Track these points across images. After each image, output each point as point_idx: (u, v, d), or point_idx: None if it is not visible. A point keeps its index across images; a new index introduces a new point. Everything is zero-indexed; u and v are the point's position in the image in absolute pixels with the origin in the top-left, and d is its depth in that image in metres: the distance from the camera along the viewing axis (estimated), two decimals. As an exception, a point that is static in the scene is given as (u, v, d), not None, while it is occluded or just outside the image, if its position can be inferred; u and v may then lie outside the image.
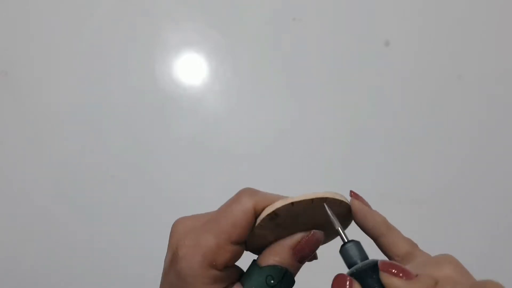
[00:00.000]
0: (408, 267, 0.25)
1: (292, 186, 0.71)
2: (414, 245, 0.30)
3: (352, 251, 0.28)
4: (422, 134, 0.74)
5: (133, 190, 0.70)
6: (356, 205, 0.30)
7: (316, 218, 0.28)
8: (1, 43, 0.80)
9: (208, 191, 0.70)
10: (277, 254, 0.26)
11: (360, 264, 0.27)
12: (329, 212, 0.28)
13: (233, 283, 0.26)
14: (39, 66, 0.78)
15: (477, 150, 0.73)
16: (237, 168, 0.72)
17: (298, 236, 0.27)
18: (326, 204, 0.28)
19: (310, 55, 0.79)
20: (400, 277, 0.24)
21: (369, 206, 0.31)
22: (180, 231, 0.26)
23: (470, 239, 0.68)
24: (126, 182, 0.71)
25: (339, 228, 0.28)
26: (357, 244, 0.28)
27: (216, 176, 0.70)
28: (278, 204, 0.26)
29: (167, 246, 0.27)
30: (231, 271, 0.26)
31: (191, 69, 0.78)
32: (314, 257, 0.31)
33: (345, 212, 0.30)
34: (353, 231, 0.32)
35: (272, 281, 0.25)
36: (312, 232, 0.27)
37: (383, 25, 0.81)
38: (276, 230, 0.27)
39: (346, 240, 0.28)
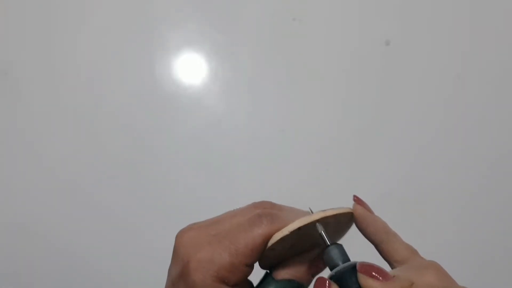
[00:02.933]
0: (393, 271, 0.25)
1: (292, 186, 0.71)
2: (413, 252, 0.30)
3: (334, 254, 0.28)
4: (422, 134, 0.74)
5: (133, 190, 0.70)
6: (358, 211, 0.30)
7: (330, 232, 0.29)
8: (1, 43, 0.80)
9: (208, 191, 0.70)
10: (294, 269, 0.27)
11: (340, 266, 0.27)
12: (320, 230, 0.29)
13: None
14: (39, 66, 0.78)
15: (477, 150, 0.73)
16: (237, 168, 0.72)
17: (314, 253, 0.28)
18: (310, 208, 0.29)
19: (310, 55, 0.79)
20: (377, 278, 0.24)
21: (371, 212, 0.31)
22: (188, 243, 0.26)
23: (470, 239, 0.68)
24: (126, 182, 0.71)
25: (322, 232, 0.28)
26: (339, 246, 0.28)
27: (216, 176, 0.71)
28: (285, 231, 0.26)
29: (171, 257, 0.27)
30: (242, 285, 0.27)
31: (191, 69, 0.78)
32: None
33: (348, 218, 0.31)
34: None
35: None
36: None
37: (384, 25, 0.81)
38: (289, 249, 0.28)
39: (328, 243, 0.28)
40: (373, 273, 0.24)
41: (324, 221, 0.29)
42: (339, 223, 0.31)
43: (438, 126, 0.75)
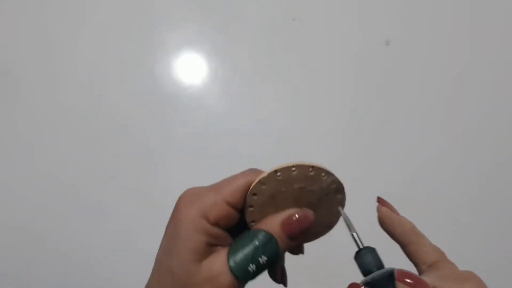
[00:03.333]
0: (429, 278, 0.24)
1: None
2: (441, 254, 0.29)
3: (367, 258, 0.27)
4: (422, 134, 0.74)
5: (133, 190, 0.70)
6: (384, 212, 0.31)
7: (313, 198, 0.29)
8: (1, 43, 0.80)
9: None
10: (268, 224, 0.27)
11: (376, 272, 0.26)
12: (343, 215, 0.29)
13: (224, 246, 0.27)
14: (39, 67, 0.78)
15: (477, 149, 0.73)
16: (237, 168, 0.71)
17: (290, 211, 0.28)
18: (340, 207, 0.29)
19: (310, 55, 0.79)
20: None
21: (396, 212, 0.31)
22: (185, 194, 0.28)
23: (470, 239, 0.68)
24: (126, 183, 0.71)
25: (355, 234, 0.28)
26: (372, 251, 0.28)
27: (216, 176, 0.70)
28: (264, 174, 0.28)
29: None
30: (224, 235, 0.27)
31: (191, 69, 0.78)
32: (300, 250, 0.32)
33: (331, 186, 0.30)
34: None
35: (256, 243, 0.26)
36: (303, 209, 0.28)
37: (384, 25, 0.81)
38: (273, 205, 0.29)
39: (361, 246, 0.28)
40: (413, 282, 0.24)
41: (300, 169, 0.28)
42: (328, 194, 0.30)
43: (438, 126, 0.75)
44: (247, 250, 0.26)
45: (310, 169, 0.29)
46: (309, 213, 0.28)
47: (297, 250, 0.32)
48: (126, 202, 0.70)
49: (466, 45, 0.79)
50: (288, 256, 0.34)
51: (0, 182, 0.71)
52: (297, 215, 0.27)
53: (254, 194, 0.29)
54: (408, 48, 0.79)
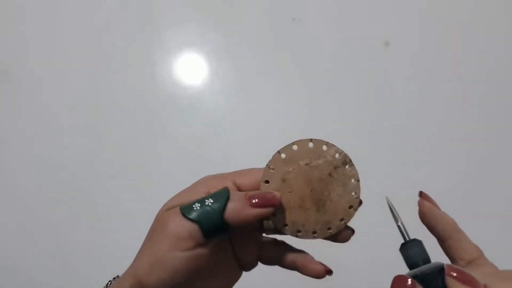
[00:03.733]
0: (474, 275, 0.25)
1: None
2: (481, 252, 0.30)
3: (414, 251, 0.27)
4: (422, 134, 0.74)
5: (133, 190, 0.70)
6: (426, 206, 0.31)
7: (322, 174, 0.30)
8: (1, 43, 0.80)
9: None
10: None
11: (424, 266, 0.26)
12: (389, 204, 0.30)
13: None
14: (40, 66, 0.78)
15: (477, 149, 0.73)
16: (237, 168, 0.72)
17: (257, 192, 0.29)
18: (387, 198, 0.30)
19: (310, 55, 0.79)
20: (468, 285, 0.23)
21: (438, 208, 0.31)
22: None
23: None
24: (126, 182, 0.71)
25: (401, 225, 0.28)
26: (419, 243, 0.28)
27: (216, 176, 0.71)
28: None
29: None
30: None
31: (191, 69, 0.78)
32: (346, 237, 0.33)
33: (336, 157, 0.31)
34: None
35: (212, 191, 0.28)
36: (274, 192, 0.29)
37: (383, 25, 0.81)
38: (286, 188, 0.30)
39: (407, 239, 0.28)
40: (464, 279, 0.24)
41: (300, 145, 0.30)
42: (336, 167, 0.31)
43: (438, 126, 0.75)
44: (201, 196, 0.28)
45: (310, 142, 0.31)
46: (274, 195, 0.29)
47: (344, 237, 0.33)
48: (126, 201, 0.70)
49: (467, 45, 0.79)
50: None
51: (1, 182, 0.71)
52: (268, 192, 0.29)
53: (266, 182, 0.30)
54: (408, 49, 0.79)
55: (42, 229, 0.69)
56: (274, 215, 0.30)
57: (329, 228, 0.31)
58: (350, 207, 0.31)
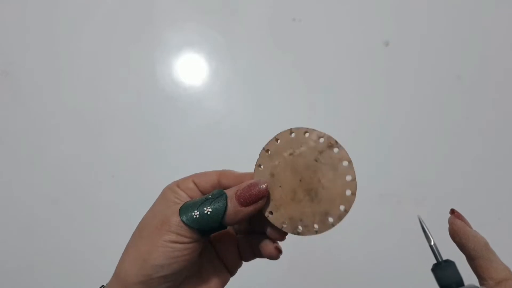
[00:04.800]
0: None
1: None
2: (511, 273, 0.30)
3: (448, 272, 0.27)
4: (422, 134, 0.74)
5: (133, 190, 0.70)
6: (458, 225, 0.31)
7: (308, 161, 0.29)
8: (2, 43, 0.80)
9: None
10: (228, 190, 0.29)
11: None
12: (422, 223, 0.30)
13: None
14: (40, 67, 0.78)
15: (477, 149, 0.73)
16: (237, 168, 0.72)
17: (248, 181, 0.30)
18: (420, 217, 0.30)
19: (310, 55, 0.79)
20: None
21: (470, 226, 0.32)
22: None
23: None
24: (126, 182, 0.71)
25: (433, 245, 0.29)
26: (452, 265, 0.28)
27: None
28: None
29: None
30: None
31: (191, 69, 0.79)
32: (281, 236, 0.32)
33: (320, 142, 0.30)
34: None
35: (209, 196, 0.29)
36: (258, 179, 0.29)
37: (383, 26, 0.81)
38: (276, 183, 0.29)
39: (440, 259, 0.28)
40: None
41: (282, 137, 0.30)
42: (322, 151, 0.30)
43: (438, 126, 0.75)
44: (198, 201, 0.28)
45: (291, 132, 0.30)
46: (261, 181, 0.29)
47: (279, 235, 0.31)
48: (127, 201, 0.70)
49: (466, 46, 0.80)
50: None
51: (1, 182, 0.71)
52: (251, 183, 0.29)
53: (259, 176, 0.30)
54: (407, 49, 0.79)
55: (41, 228, 0.69)
56: (271, 213, 0.29)
57: (330, 219, 0.29)
58: (351, 192, 0.29)
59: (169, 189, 0.31)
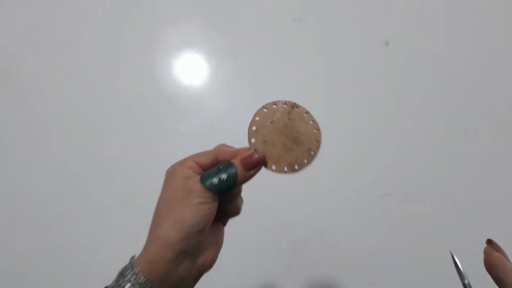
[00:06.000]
0: None
1: (291, 186, 0.71)
2: None
3: None
4: (422, 134, 0.74)
5: (134, 189, 0.71)
6: (496, 257, 0.31)
7: (284, 122, 0.40)
8: (2, 44, 0.80)
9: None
10: (234, 160, 0.37)
11: None
12: (456, 262, 0.31)
13: None
14: (40, 67, 0.78)
15: (476, 149, 0.73)
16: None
17: (248, 152, 0.38)
18: (452, 254, 0.31)
19: (310, 55, 0.79)
20: None
21: (508, 259, 0.31)
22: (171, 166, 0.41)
23: (469, 240, 0.69)
24: (126, 182, 0.71)
25: (467, 284, 0.29)
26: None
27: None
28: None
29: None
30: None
31: (191, 69, 0.79)
32: (237, 211, 0.42)
33: (285, 106, 0.40)
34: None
35: (221, 167, 0.37)
36: (257, 150, 0.38)
37: (383, 25, 0.81)
38: (269, 146, 0.39)
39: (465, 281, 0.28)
40: None
41: (260, 114, 0.41)
42: (289, 112, 0.41)
43: (438, 127, 0.75)
44: (214, 170, 0.37)
45: (264, 108, 0.41)
46: (260, 153, 0.38)
47: (233, 211, 0.41)
48: (127, 201, 0.70)
49: (466, 46, 0.80)
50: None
51: (2, 182, 0.71)
52: (251, 153, 0.37)
53: (255, 147, 0.40)
54: (407, 49, 0.79)
55: (42, 228, 0.69)
56: (274, 167, 0.39)
57: (312, 152, 0.41)
58: (316, 130, 0.42)
59: (174, 170, 0.39)
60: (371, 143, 0.74)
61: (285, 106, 0.41)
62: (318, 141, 0.42)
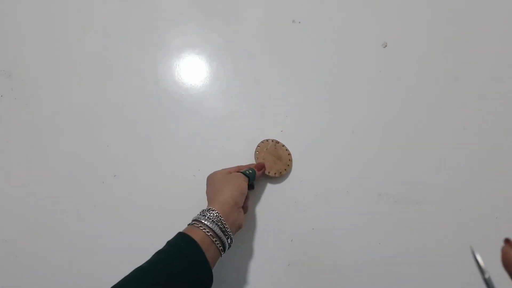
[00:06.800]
0: None
1: (291, 186, 0.71)
2: None
3: None
4: (420, 134, 0.74)
5: (135, 189, 0.71)
6: None
7: (272, 147, 0.73)
8: (4, 44, 0.80)
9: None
10: (255, 167, 0.68)
11: None
12: (476, 258, 0.31)
13: None
14: (43, 68, 0.79)
15: (475, 149, 0.74)
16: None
17: (260, 163, 0.69)
18: (472, 249, 0.31)
19: (309, 56, 0.79)
20: None
21: None
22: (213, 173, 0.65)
23: (468, 240, 0.69)
24: (128, 182, 0.71)
25: (488, 278, 0.29)
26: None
27: (217, 175, 0.71)
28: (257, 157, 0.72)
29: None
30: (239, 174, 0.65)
31: (192, 70, 0.79)
32: (252, 186, 0.69)
33: (270, 140, 0.73)
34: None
35: (250, 171, 0.65)
36: (260, 162, 0.70)
37: (381, 28, 0.81)
38: (266, 160, 0.71)
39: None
40: None
41: (258, 151, 0.72)
42: (275, 141, 0.74)
43: (437, 127, 0.75)
44: (246, 170, 0.65)
45: (261, 142, 0.72)
46: (262, 163, 0.70)
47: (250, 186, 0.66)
48: (127, 201, 0.70)
49: (463, 48, 0.80)
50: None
51: (4, 181, 0.72)
52: (258, 163, 0.69)
53: (258, 158, 0.72)
54: (405, 51, 0.80)
55: (44, 228, 0.69)
56: (269, 172, 0.71)
57: (288, 165, 0.72)
58: (288, 154, 0.73)
59: (214, 172, 0.63)
60: (369, 143, 0.74)
61: (272, 141, 0.73)
62: (290, 160, 0.73)
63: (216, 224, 0.51)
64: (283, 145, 0.72)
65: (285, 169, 0.71)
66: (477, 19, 0.82)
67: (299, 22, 0.82)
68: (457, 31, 0.81)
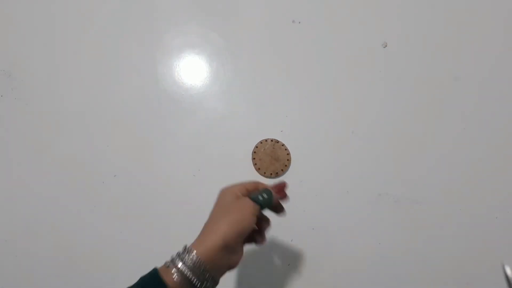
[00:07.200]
0: None
1: (291, 186, 0.71)
2: None
3: None
4: (420, 135, 0.75)
5: (135, 189, 0.71)
6: None
7: (270, 148, 0.72)
8: (4, 44, 0.80)
9: (208, 190, 0.71)
10: (270, 187, 0.54)
11: None
12: (508, 277, 0.30)
13: None
14: (43, 68, 0.79)
15: (475, 150, 0.74)
16: (237, 168, 0.72)
17: (279, 183, 0.56)
18: (504, 267, 0.31)
19: (309, 56, 0.79)
20: None
21: None
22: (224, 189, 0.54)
23: (468, 240, 0.69)
24: (128, 182, 0.71)
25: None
26: None
27: (217, 176, 0.71)
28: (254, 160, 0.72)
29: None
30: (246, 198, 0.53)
31: (192, 70, 0.79)
32: (274, 209, 0.56)
33: (269, 141, 0.73)
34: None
35: (263, 192, 0.52)
36: (282, 182, 0.56)
37: (381, 28, 0.81)
38: (263, 161, 0.71)
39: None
40: None
41: (255, 152, 0.72)
42: (273, 142, 0.73)
43: (436, 127, 0.75)
44: (258, 193, 0.52)
45: (260, 142, 0.72)
46: (284, 183, 0.56)
47: (279, 210, 0.56)
48: (127, 201, 0.70)
49: (463, 48, 0.80)
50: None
51: (3, 182, 0.72)
52: (279, 183, 0.56)
53: (255, 164, 0.72)
54: (405, 51, 0.80)
55: (45, 228, 0.69)
56: (264, 173, 0.72)
57: (285, 166, 0.72)
58: (287, 154, 0.72)
59: (227, 189, 0.52)
60: (369, 143, 0.74)
61: (271, 141, 0.72)
62: (289, 160, 0.71)
63: (192, 270, 0.44)
64: (283, 145, 0.71)
65: (282, 170, 0.71)
66: (477, 19, 0.82)
67: (299, 22, 0.82)
68: (457, 31, 0.81)
